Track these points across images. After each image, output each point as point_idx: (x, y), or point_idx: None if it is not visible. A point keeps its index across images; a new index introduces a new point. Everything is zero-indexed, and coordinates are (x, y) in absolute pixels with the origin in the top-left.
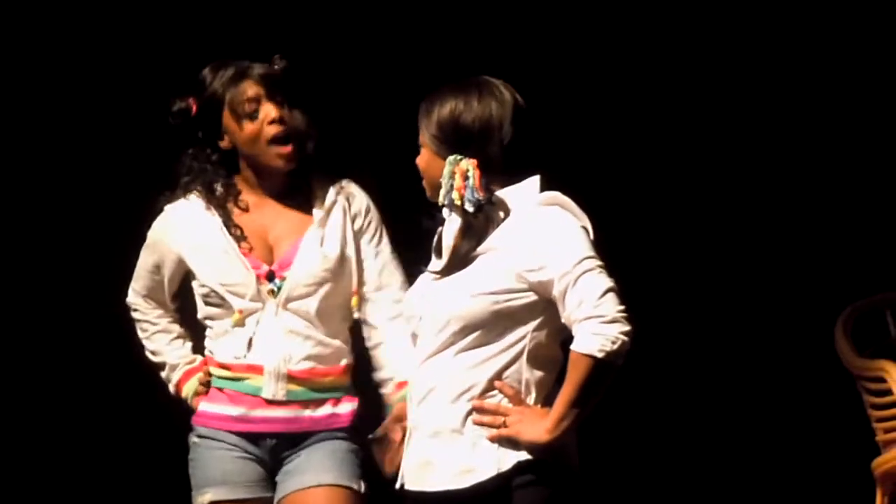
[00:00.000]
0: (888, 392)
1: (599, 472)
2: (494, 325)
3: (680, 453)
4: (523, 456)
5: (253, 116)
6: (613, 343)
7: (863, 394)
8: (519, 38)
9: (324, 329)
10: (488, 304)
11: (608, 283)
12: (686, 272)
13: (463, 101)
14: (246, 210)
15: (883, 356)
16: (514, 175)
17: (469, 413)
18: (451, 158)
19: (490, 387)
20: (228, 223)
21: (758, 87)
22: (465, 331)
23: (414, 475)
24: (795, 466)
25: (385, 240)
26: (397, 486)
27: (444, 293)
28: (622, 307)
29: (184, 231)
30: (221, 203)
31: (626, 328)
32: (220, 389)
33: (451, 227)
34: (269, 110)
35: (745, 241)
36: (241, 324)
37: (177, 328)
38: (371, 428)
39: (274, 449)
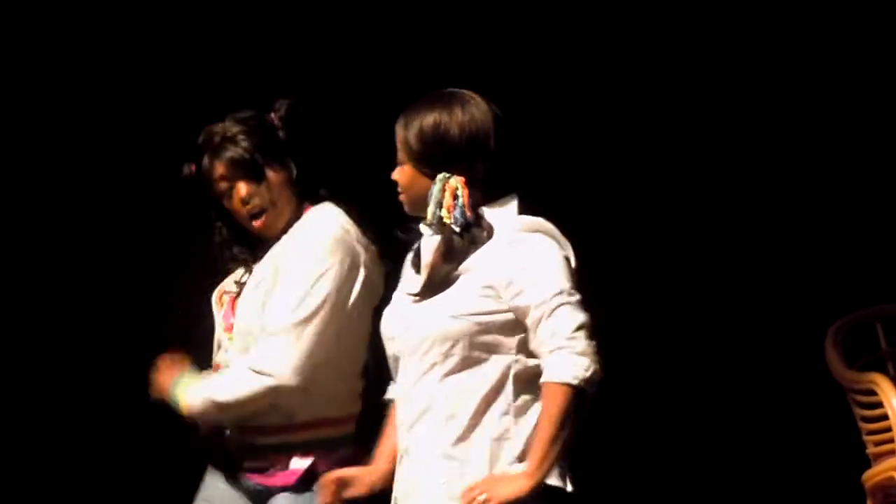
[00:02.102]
0: (878, 405)
1: (595, 488)
2: (478, 345)
3: (671, 465)
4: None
5: (228, 194)
6: (586, 370)
7: (853, 406)
8: (488, 52)
9: None
10: (470, 325)
11: (583, 317)
12: (677, 284)
13: (447, 114)
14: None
15: (873, 369)
16: (493, 190)
17: (459, 438)
18: (440, 176)
19: (481, 408)
20: (242, 275)
21: (747, 102)
22: (449, 353)
23: (406, 499)
24: (786, 479)
25: (290, 278)
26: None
27: (426, 314)
28: (594, 342)
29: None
30: (246, 264)
31: (597, 362)
32: None
33: (429, 243)
34: (238, 189)
35: (735, 252)
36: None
37: None
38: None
39: (254, 492)
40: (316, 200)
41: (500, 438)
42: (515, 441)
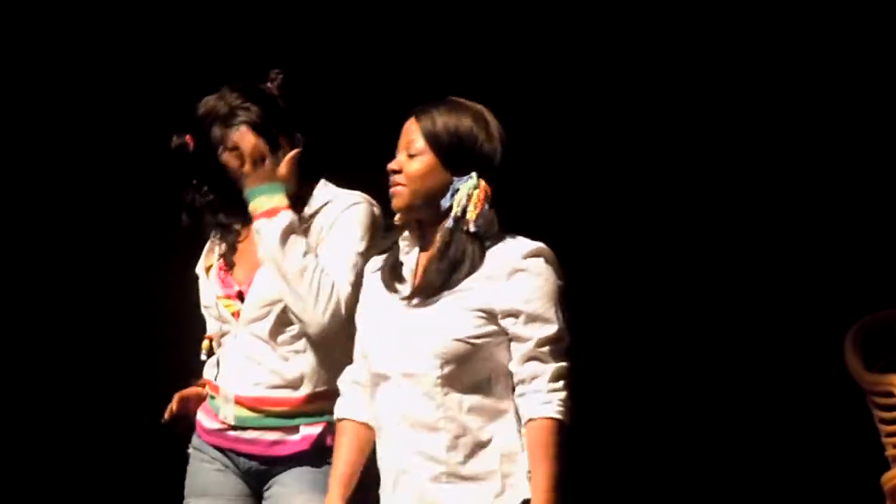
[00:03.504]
0: None
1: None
2: (481, 366)
3: (688, 468)
4: (526, 494)
5: (241, 158)
6: (562, 404)
7: (872, 409)
8: (479, 55)
9: (282, 354)
10: (470, 348)
11: (566, 364)
12: (694, 286)
13: (483, 127)
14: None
15: (893, 371)
16: None
17: (468, 456)
18: (474, 174)
19: (489, 427)
20: (232, 245)
21: (766, 100)
22: (452, 373)
23: None
24: (805, 481)
25: (336, 251)
26: None
27: (424, 335)
28: (567, 394)
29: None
30: (230, 229)
31: (570, 401)
32: (208, 404)
33: (412, 251)
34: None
35: (753, 254)
36: (208, 351)
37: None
38: None
39: (252, 472)
40: (314, 179)
41: (506, 456)
42: (518, 458)
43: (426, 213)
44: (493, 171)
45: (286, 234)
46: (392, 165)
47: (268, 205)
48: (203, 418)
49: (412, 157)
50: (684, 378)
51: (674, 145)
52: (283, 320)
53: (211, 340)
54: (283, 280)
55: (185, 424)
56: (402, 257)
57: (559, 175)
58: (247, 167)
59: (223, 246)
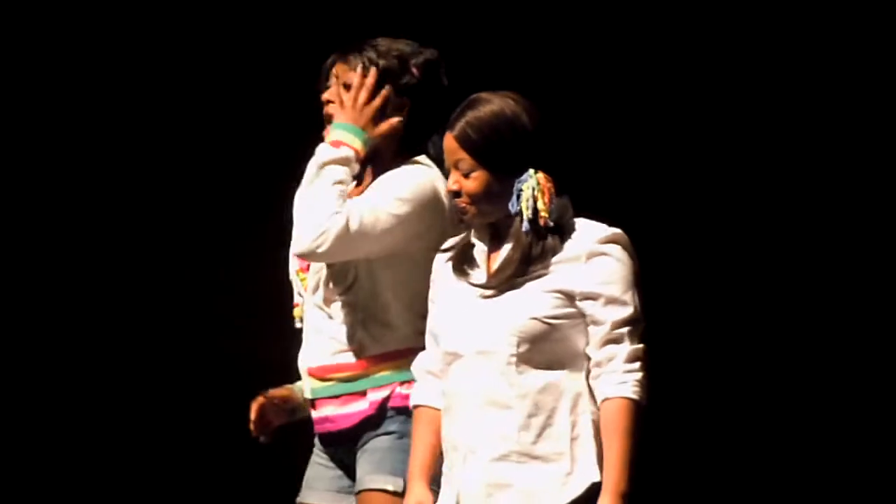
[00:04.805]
0: None
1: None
2: (555, 347)
3: (757, 451)
4: (595, 478)
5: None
6: (638, 384)
7: None
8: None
9: (340, 320)
10: (546, 328)
11: (642, 346)
12: (751, 278)
13: (515, 120)
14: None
15: None
16: None
17: (538, 435)
18: (530, 172)
19: (560, 408)
20: None
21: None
22: (526, 353)
23: (477, 499)
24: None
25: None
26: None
27: (500, 313)
28: (643, 375)
29: None
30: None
31: (647, 383)
32: None
33: (482, 241)
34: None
35: (809, 251)
36: (300, 318)
37: None
38: None
39: (343, 453)
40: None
41: (576, 438)
42: (589, 441)
43: (501, 216)
44: (548, 160)
45: (333, 164)
46: (451, 187)
47: (341, 138)
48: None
49: (467, 177)
50: (749, 371)
51: (749, 136)
52: (332, 286)
53: (297, 307)
54: (299, 193)
55: (268, 431)
56: (474, 247)
57: (638, 164)
58: (347, 99)
59: None
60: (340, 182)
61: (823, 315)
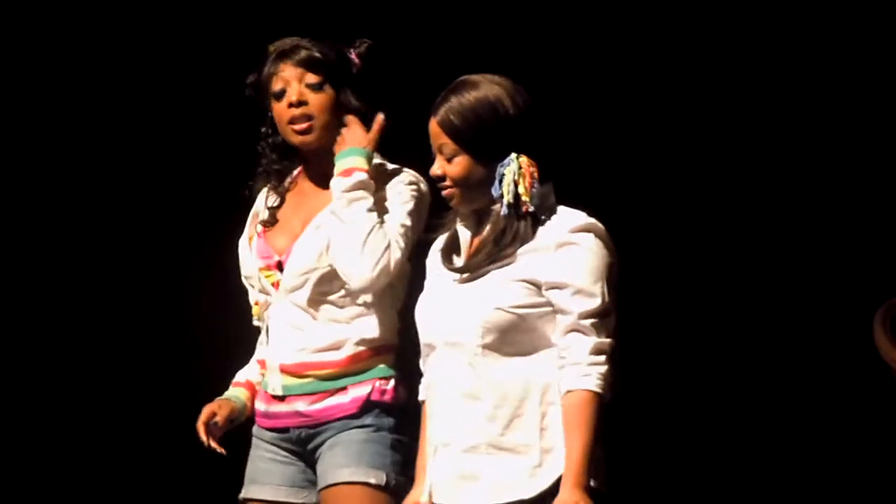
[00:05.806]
0: None
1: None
2: (523, 337)
3: (715, 452)
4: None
5: (279, 96)
6: (601, 377)
7: None
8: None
9: (321, 319)
10: (514, 318)
11: (610, 340)
12: (726, 267)
13: (500, 105)
14: (300, 196)
15: None
16: None
17: (506, 426)
18: (513, 156)
19: (528, 398)
20: (272, 211)
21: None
22: (493, 343)
23: (454, 492)
24: (833, 460)
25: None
26: (423, 500)
27: (469, 304)
28: (612, 364)
29: (245, 230)
30: (280, 192)
31: (613, 377)
32: (262, 387)
33: (468, 228)
34: (292, 92)
35: (784, 235)
36: (260, 317)
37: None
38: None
39: (303, 440)
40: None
41: (545, 429)
42: (558, 432)
43: (485, 202)
44: (533, 145)
45: (355, 188)
46: (435, 171)
47: (348, 165)
48: (258, 403)
49: (450, 161)
50: (719, 359)
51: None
52: (321, 288)
53: (258, 305)
54: (341, 230)
55: (217, 435)
56: (459, 234)
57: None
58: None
59: (265, 212)
60: (371, 210)
61: (808, 312)
